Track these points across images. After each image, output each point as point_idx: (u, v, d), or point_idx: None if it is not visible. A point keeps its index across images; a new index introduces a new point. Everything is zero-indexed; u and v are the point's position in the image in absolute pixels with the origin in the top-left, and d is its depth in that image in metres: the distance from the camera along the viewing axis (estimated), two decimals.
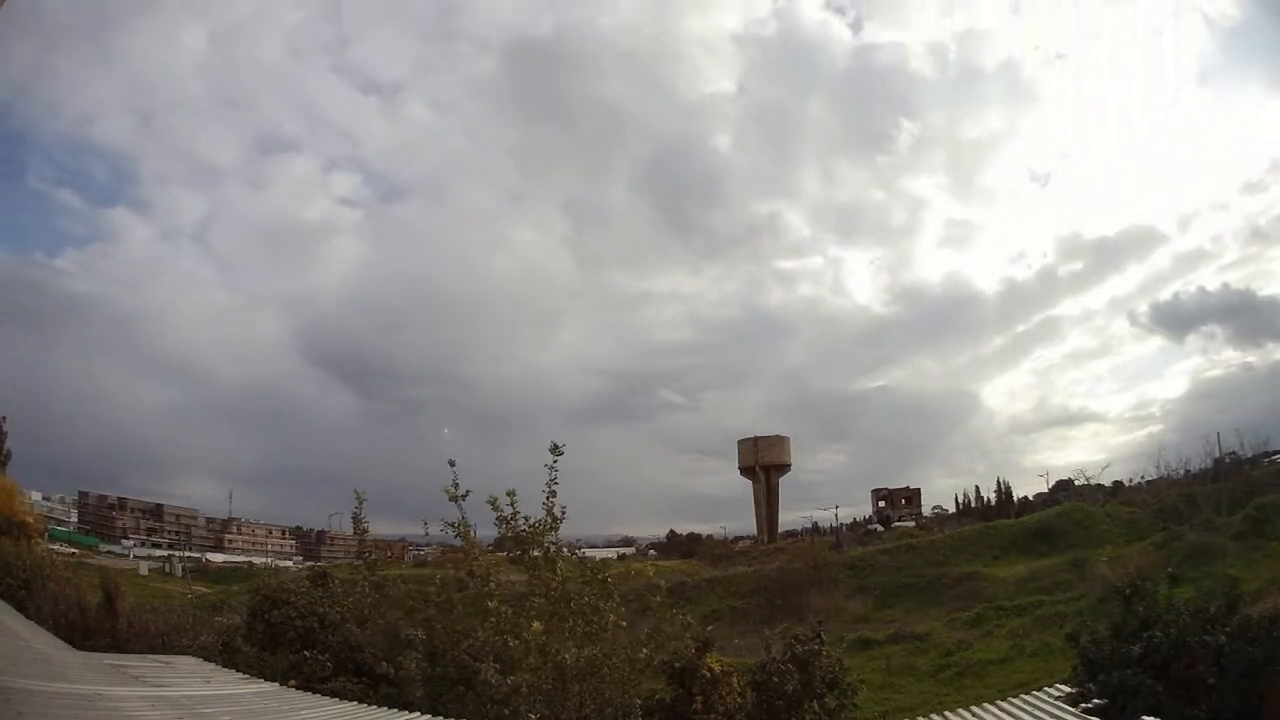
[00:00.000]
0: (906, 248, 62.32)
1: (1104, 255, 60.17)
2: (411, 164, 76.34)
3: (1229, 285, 58.16)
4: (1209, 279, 63.71)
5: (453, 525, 10.17)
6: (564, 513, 10.30)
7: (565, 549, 10.41)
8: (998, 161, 54.88)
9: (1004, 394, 67.78)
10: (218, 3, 77.25)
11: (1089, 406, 65.24)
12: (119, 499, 69.14)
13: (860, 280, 64.06)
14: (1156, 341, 68.75)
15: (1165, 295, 67.07)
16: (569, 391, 71.84)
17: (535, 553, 10.10)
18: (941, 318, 67.75)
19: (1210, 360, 59.23)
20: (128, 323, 79.19)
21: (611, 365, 74.03)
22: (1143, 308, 68.88)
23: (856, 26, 54.29)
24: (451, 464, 10.26)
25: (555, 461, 10.26)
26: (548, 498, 10.25)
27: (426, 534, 11.26)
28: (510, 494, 10.24)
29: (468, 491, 10.09)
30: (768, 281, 64.61)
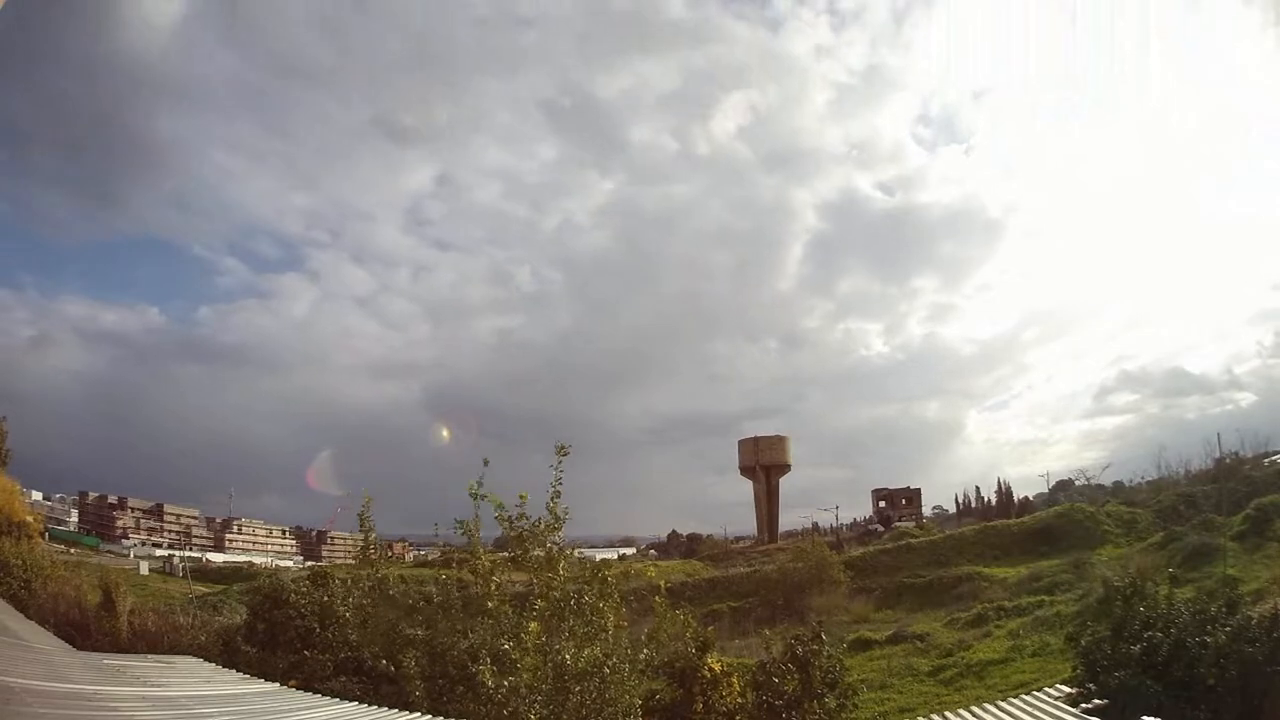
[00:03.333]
0: (904, 320, 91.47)
1: (1057, 320, 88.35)
2: (567, 267, 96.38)
3: (1154, 352, 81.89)
4: (1137, 346, 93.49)
5: (461, 524, 10.10)
6: (567, 513, 10.26)
7: (567, 550, 10.39)
8: (979, 268, 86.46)
9: (986, 421, 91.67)
10: (456, 152, 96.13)
11: (1053, 434, 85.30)
12: (119, 498, 69.17)
13: (869, 342, 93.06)
14: (1102, 383, 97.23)
15: (1106, 353, 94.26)
16: (631, 425, 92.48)
17: (537, 553, 10.07)
18: (933, 365, 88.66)
19: (1136, 403, 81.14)
20: (280, 366, 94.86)
21: (667, 408, 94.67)
22: (1091, 359, 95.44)
23: (891, 194, 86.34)
24: (486, 462, 10.12)
25: (560, 462, 10.19)
26: (552, 498, 10.21)
27: (437, 533, 11.12)
28: (521, 496, 10.17)
29: (486, 494, 10.04)
30: (801, 345, 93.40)
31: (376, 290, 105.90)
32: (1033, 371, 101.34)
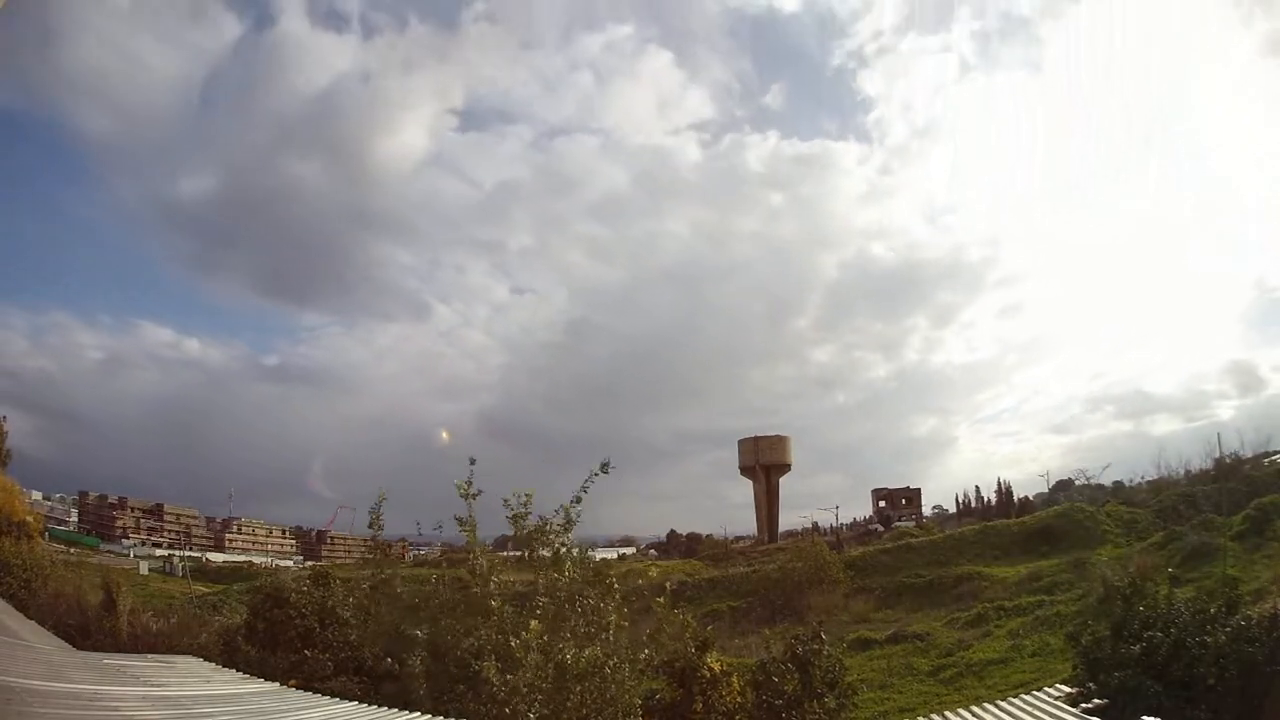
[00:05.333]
0: (902, 351, 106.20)
1: (1033, 348, 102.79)
2: (627, 313, 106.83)
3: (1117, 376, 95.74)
4: (1107, 372, 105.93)
5: (461, 522, 10.13)
6: (579, 516, 10.28)
7: (575, 550, 10.40)
8: (965, 308, 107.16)
9: (976, 434, 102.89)
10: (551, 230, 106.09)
11: (1037, 445, 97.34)
12: (119, 498, 69.17)
13: (872, 368, 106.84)
14: (1078, 403, 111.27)
15: (1080, 377, 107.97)
16: (657, 440, 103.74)
17: (544, 552, 10.08)
18: (927, 388, 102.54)
19: (1103, 420, 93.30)
20: (353, 388, 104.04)
21: (692, 426, 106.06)
22: (1067, 383, 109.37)
23: (897, 253, 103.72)
24: (472, 461, 10.22)
25: (595, 476, 10.24)
26: (573, 501, 10.22)
27: (440, 529, 11.18)
28: (527, 494, 10.20)
29: (479, 491, 10.08)
30: (814, 371, 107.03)
31: (458, 324, 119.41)
32: (1016, 392, 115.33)
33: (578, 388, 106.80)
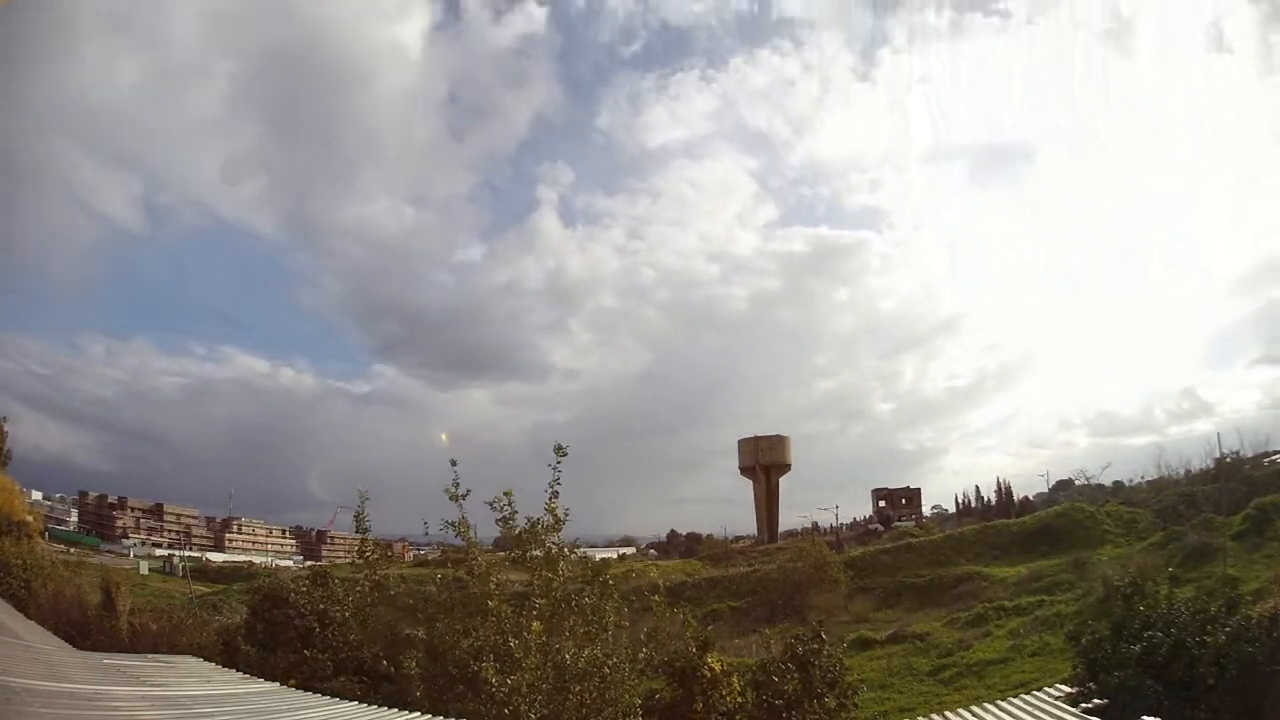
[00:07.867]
0: (898, 380, 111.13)
1: (1006, 374, 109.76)
2: (678, 361, 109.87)
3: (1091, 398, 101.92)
4: (1081, 395, 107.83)
5: (453, 524, 10.15)
6: (566, 514, 10.30)
7: (566, 549, 10.41)
8: (946, 347, 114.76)
9: (967, 446, 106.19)
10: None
11: (1019, 454, 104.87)
12: (119, 498, 69.10)
13: (871, 393, 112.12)
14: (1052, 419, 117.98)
15: (1058, 398, 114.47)
16: (679, 454, 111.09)
17: (536, 553, 10.09)
18: (919, 409, 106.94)
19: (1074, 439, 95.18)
20: (417, 407, 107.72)
21: (712, 442, 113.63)
22: (1045, 403, 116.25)
23: (899, 308, 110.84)
24: (453, 463, 10.25)
25: (559, 463, 10.28)
26: (550, 499, 10.22)
27: (427, 532, 11.20)
28: (508, 494, 10.22)
29: (468, 491, 10.09)
30: (821, 397, 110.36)
31: (542, 362, 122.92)
32: (999, 411, 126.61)
33: (626, 416, 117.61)
